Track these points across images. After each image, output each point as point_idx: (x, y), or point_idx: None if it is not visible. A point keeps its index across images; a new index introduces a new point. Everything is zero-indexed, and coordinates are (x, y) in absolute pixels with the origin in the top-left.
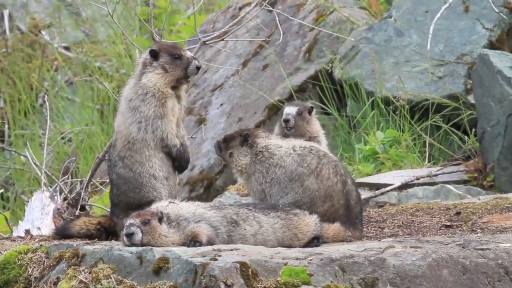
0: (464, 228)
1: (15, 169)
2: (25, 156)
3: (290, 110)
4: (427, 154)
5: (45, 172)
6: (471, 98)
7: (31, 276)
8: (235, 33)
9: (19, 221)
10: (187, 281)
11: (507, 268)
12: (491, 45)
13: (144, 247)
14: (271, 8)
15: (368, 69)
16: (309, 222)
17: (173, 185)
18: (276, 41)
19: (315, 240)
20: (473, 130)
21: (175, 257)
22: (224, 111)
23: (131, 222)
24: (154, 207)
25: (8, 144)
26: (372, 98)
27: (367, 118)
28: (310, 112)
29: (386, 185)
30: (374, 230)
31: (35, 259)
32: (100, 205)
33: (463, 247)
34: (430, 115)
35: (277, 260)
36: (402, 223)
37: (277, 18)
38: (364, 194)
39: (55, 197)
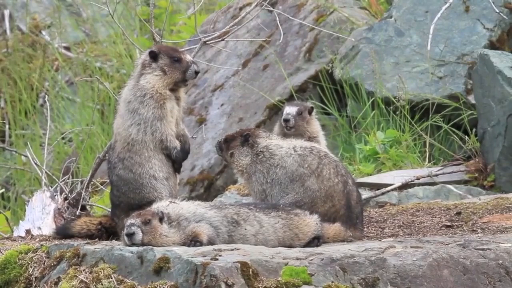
0: (464, 228)
1: (16, 169)
2: (26, 156)
3: (290, 110)
4: (427, 154)
5: (45, 172)
6: (471, 98)
7: (32, 276)
8: (235, 33)
9: (20, 221)
10: (188, 281)
11: (507, 268)
12: (492, 45)
13: (144, 247)
14: (271, 8)
15: (368, 69)
16: (310, 222)
17: (174, 185)
18: (276, 41)
19: (316, 240)
20: (474, 130)
21: (176, 257)
22: (224, 111)
23: (132, 222)
24: (155, 207)
25: (9, 144)
26: (373, 98)
27: (367, 118)
28: (310, 112)
29: (386, 185)
30: (374, 230)
31: (35, 259)
32: (100, 205)
33: (463, 247)
34: (430, 115)
35: (277, 260)
36: (403, 223)
37: (277, 18)
38: (365, 194)
39: (56, 197)
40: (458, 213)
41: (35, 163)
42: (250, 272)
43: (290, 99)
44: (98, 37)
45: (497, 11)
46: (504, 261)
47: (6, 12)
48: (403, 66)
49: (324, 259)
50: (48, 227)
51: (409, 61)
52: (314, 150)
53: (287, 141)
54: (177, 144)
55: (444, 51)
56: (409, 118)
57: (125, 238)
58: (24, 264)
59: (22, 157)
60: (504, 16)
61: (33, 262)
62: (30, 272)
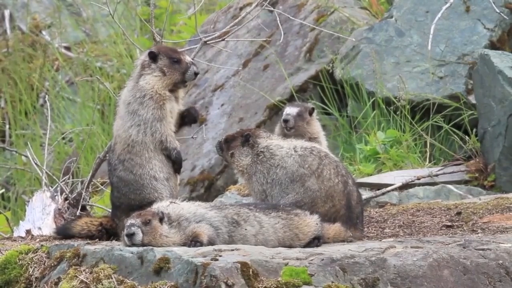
0: (465, 228)
1: (16, 169)
2: (26, 156)
3: (290, 110)
4: (428, 154)
5: (46, 172)
6: (472, 98)
7: (32, 276)
8: (236, 33)
9: (20, 221)
10: (188, 281)
11: (507, 268)
12: (492, 45)
13: (145, 247)
14: (272, 8)
15: (369, 69)
16: (310, 222)
17: (174, 185)
18: (277, 41)
19: (316, 240)
20: (474, 130)
21: (176, 257)
22: (225, 111)
23: (132, 222)
24: (155, 207)
25: (9, 144)
26: (373, 98)
27: (368, 118)
28: (311, 113)
29: (387, 185)
30: (375, 230)
31: (36, 259)
32: (101, 205)
33: (464, 247)
34: (431, 115)
35: (278, 260)
36: (403, 223)
37: (278, 18)
38: (365, 194)
39: (56, 197)
40: (459, 213)
41: (36, 163)
42: (250, 272)
43: (290, 99)
44: (99, 37)
45: (498, 11)
46: (504, 261)
47: (7, 12)
48: (404, 66)
49: (324, 259)
50: (48, 227)
51: (409, 61)
52: (315, 150)
53: (288, 142)
54: (176, 144)
55: (444, 51)
56: (409, 118)
57: (125, 238)
58: (25, 264)
59: (23, 157)
60: (505, 16)
61: (33, 262)
62: (31, 272)
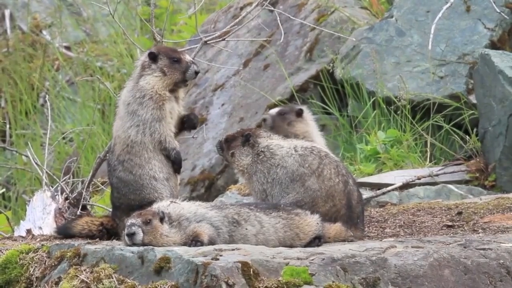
0: (465, 228)
1: (17, 169)
2: (27, 156)
3: (272, 110)
4: (428, 154)
5: (46, 172)
6: (472, 98)
7: (33, 276)
8: (236, 33)
9: (21, 221)
10: (189, 281)
11: (508, 268)
12: (493, 45)
13: (145, 247)
14: (272, 8)
15: (369, 69)
16: (311, 222)
17: (174, 185)
18: (277, 41)
19: (317, 240)
20: (475, 130)
21: (177, 256)
22: (225, 111)
23: (133, 222)
24: (156, 206)
25: (10, 144)
26: (374, 98)
27: (368, 118)
28: (299, 114)
29: (387, 185)
30: (375, 230)
31: (36, 258)
32: (101, 205)
33: (464, 247)
34: (431, 115)
35: (278, 260)
36: (404, 223)
37: (278, 18)
38: (366, 194)
39: (57, 196)
40: (459, 213)
41: (36, 163)
42: (251, 272)
43: (291, 99)
44: (99, 37)
45: (498, 11)
46: (505, 261)
47: (7, 12)
48: (404, 66)
49: (325, 259)
50: (49, 227)
51: (410, 61)
52: (315, 150)
53: (288, 141)
54: (176, 145)
55: (445, 51)
56: (410, 118)
57: (126, 238)
58: (25, 264)
59: (23, 157)
60: (505, 16)
61: (34, 262)
62: (31, 272)
